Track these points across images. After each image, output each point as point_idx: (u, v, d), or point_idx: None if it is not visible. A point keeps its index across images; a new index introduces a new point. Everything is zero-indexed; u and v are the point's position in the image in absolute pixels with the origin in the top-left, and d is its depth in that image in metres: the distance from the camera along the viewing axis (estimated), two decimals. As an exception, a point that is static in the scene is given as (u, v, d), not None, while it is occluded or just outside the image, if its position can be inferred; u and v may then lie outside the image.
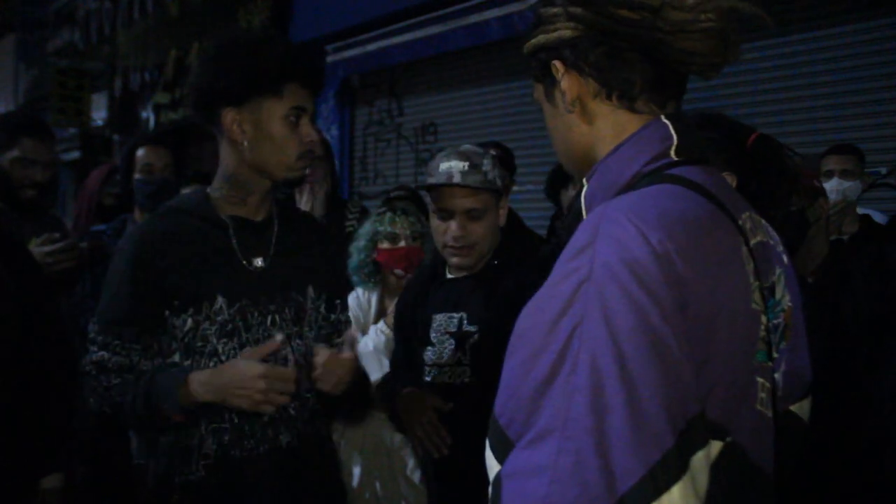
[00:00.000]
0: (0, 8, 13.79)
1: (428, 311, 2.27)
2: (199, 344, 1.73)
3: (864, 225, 3.15)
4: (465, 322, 2.19)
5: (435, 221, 2.22)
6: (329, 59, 6.81)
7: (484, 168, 2.16)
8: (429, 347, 2.23)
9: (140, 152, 3.32)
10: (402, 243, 2.81)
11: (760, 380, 1.01)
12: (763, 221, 1.11)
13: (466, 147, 2.23)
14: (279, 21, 7.06)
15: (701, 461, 0.88)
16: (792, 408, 1.12)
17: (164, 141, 3.52)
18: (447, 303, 2.24)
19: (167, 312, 1.74)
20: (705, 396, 0.92)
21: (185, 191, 3.42)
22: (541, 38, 1.08)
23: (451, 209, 2.17)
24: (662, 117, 1.05)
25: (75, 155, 11.69)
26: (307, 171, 1.87)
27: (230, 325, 1.74)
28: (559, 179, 3.43)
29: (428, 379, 2.24)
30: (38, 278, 2.38)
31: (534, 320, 0.92)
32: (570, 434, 0.84)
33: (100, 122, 11.31)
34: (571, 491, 0.83)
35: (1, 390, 2.08)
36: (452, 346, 2.19)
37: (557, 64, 1.07)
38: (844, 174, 3.31)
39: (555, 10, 1.07)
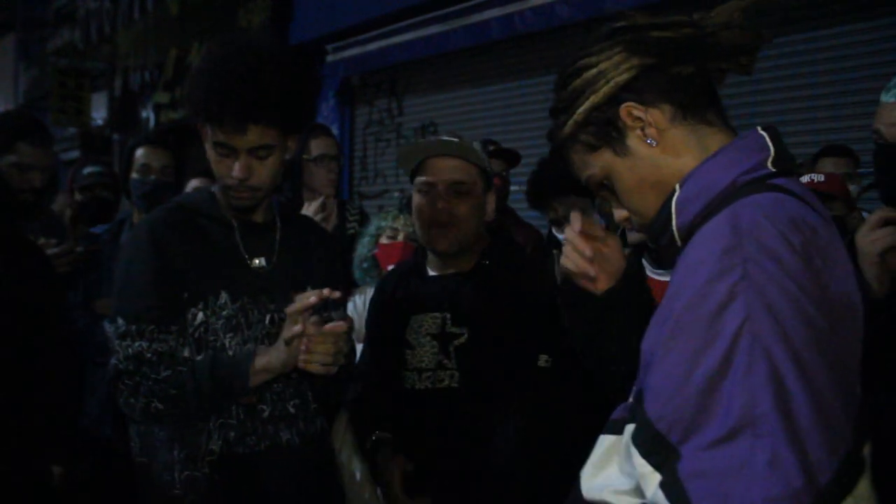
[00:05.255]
0: (0, 7, 13.79)
1: (405, 309, 2.07)
2: (212, 338, 1.75)
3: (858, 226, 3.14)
4: (450, 322, 1.99)
5: (416, 200, 2.03)
6: (329, 58, 6.82)
7: (474, 147, 2.02)
8: (407, 350, 2.02)
9: (139, 152, 3.32)
10: (401, 237, 2.78)
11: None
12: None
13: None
14: (279, 21, 7.06)
15: (867, 455, 0.90)
16: None
17: (165, 141, 3.51)
18: (429, 302, 2.04)
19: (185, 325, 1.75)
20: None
21: (193, 182, 3.43)
22: (592, 100, 1.12)
23: (433, 181, 1.99)
24: (759, 129, 1.09)
25: (75, 154, 11.69)
26: (242, 201, 1.79)
27: (234, 321, 1.77)
28: (553, 186, 3.00)
29: (407, 386, 2.03)
30: (46, 276, 2.38)
31: (686, 321, 0.92)
32: (761, 431, 0.84)
33: (100, 122, 11.32)
34: (774, 487, 0.83)
35: (9, 385, 2.09)
36: (434, 349, 1.99)
37: (630, 106, 1.10)
38: (846, 178, 3.24)
39: (597, 68, 1.12)
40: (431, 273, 2.09)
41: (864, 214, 3.42)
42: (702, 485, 0.87)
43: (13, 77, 14.72)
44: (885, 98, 1.84)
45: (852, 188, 3.23)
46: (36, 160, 2.72)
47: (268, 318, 1.80)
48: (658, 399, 0.93)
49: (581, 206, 2.79)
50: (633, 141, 1.12)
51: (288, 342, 1.67)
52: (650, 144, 1.10)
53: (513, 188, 3.79)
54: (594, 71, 1.12)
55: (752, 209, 0.96)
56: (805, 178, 2.40)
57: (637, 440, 0.95)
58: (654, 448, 0.92)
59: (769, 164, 1.05)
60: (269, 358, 1.70)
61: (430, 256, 2.09)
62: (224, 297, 1.77)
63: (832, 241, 0.98)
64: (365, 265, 2.87)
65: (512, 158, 3.59)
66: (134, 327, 1.72)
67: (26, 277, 2.19)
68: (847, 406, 0.89)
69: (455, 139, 1.97)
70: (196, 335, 1.75)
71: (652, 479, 0.92)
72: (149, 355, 1.70)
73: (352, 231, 3.17)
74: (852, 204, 2.96)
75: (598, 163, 1.16)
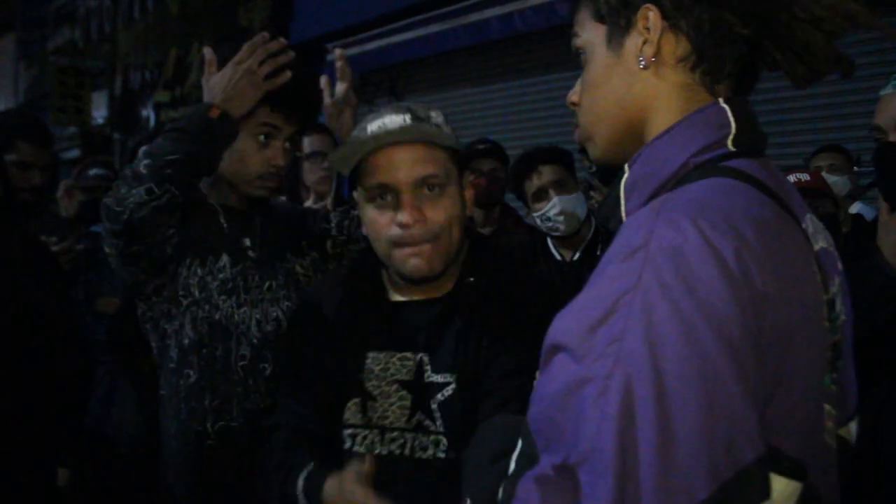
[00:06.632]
0: (0, 7, 13.80)
1: (359, 342, 1.51)
2: (203, 294, 1.77)
3: (855, 224, 3.17)
4: (428, 368, 1.46)
5: (370, 213, 1.47)
6: (329, 58, 6.82)
7: (434, 120, 1.46)
8: (367, 401, 1.48)
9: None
10: None
11: (827, 407, 0.89)
12: (821, 225, 0.98)
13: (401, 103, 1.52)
14: (279, 20, 7.06)
15: None
16: (840, 432, 0.97)
17: None
18: (395, 337, 1.49)
19: (181, 268, 1.77)
20: (779, 430, 0.80)
21: None
22: None
23: (392, 183, 1.43)
24: (721, 101, 0.92)
25: (75, 153, 11.70)
26: (268, 191, 1.86)
27: (231, 284, 1.79)
28: (541, 154, 2.87)
29: (358, 447, 1.47)
30: (54, 275, 2.38)
31: (571, 324, 0.81)
32: (594, 468, 0.75)
33: (100, 121, 11.33)
34: None
35: (17, 385, 2.09)
36: (406, 403, 1.46)
37: (652, 10, 0.92)
38: (832, 169, 3.37)
39: None
40: (395, 298, 1.53)
41: (858, 209, 3.44)
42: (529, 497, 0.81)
43: (13, 76, 14.73)
44: (886, 91, 1.81)
45: (835, 179, 3.32)
46: (36, 159, 2.73)
47: (266, 284, 1.83)
48: (533, 400, 0.84)
49: (561, 176, 2.77)
50: (629, 44, 0.95)
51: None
52: (640, 61, 0.94)
53: (512, 187, 3.79)
54: None
55: (680, 204, 0.82)
56: (791, 178, 2.41)
57: (522, 431, 0.88)
58: (527, 445, 0.85)
59: (729, 143, 0.91)
60: (208, 91, 1.75)
61: (391, 276, 1.54)
62: (225, 259, 1.80)
63: (789, 240, 0.85)
64: None
65: (504, 156, 3.58)
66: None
67: (34, 276, 2.20)
68: (723, 462, 0.74)
69: (407, 116, 1.44)
70: (193, 291, 1.77)
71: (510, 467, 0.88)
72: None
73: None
74: (837, 201, 3.03)
75: (588, 34, 0.99)
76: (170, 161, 1.66)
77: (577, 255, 2.79)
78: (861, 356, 1.05)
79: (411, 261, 1.44)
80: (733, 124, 0.91)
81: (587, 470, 0.75)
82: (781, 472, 0.80)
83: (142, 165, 1.67)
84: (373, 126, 1.44)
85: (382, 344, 1.49)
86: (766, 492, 0.76)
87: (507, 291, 1.49)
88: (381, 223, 1.45)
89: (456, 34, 5.62)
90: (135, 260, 1.71)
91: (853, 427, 1.01)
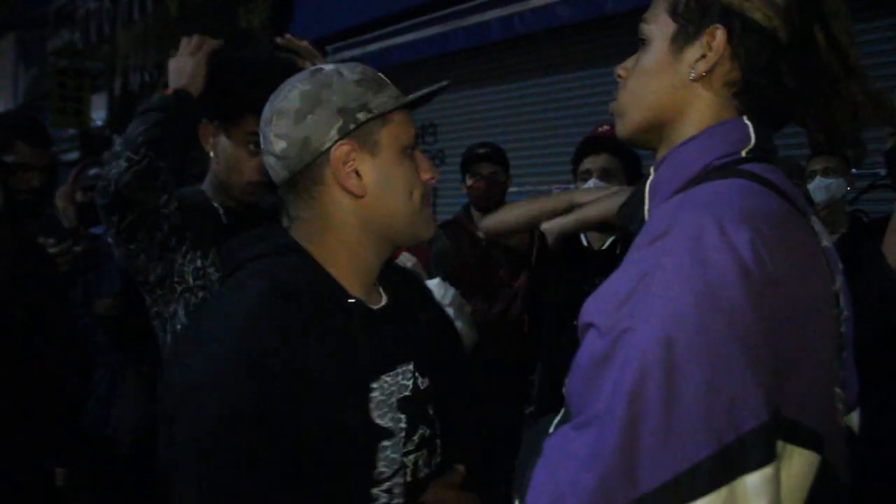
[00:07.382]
0: (0, 7, 13.80)
1: (354, 376, 1.18)
2: (199, 282, 1.82)
3: (853, 224, 3.17)
4: (419, 375, 1.27)
5: (405, 166, 1.27)
6: (329, 59, 6.82)
7: None
8: (385, 443, 1.19)
9: None
10: None
11: (838, 390, 0.96)
12: (823, 226, 1.06)
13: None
14: (279, 21, 7.06)
15: (756, 484, 0.80)
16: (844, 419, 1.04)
17: None
18: (389, 352, 1.24)
19: (177, 255, 1.82)
20: (797, 407, 0.86)
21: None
22: None
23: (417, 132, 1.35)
24: (745, 118, 1.00)
25: (75, 155, 11.69)
26: (256, 197, 1.92)
27: None
28: (588, 145, 2.89)
29: (397, 500, 1.21)
30: (51, 277, 2.39)
31: (600, 304, 0.88)
32: (604, 424, 0.82)
33: (99, 123, 11.31)
34: (588, 478, 0.81)
35: (16, 386, 2.10)
36: (402, 425, 1.22)
37: (721, 30, 0.98)
38: (826, 172, 3.36)
39: None
40: (371, 304, 1.27)
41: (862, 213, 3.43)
42: (550, 454, 0.89)
43: (13, 77, 14.73)
44: None
45: (830, 181, 3.31)
46: (35, 160, 2.72)
47: None
48: (570, 372, 0.92)
49: (611, 166, 2.79)
50: (689, 52, 1.00)
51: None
52: (691, 71, 0.99)
53: (513, 189, 3.79)
54: None
55: (701, 199, 0.90)
56: None
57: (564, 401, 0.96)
58: (566, 412, 0.94)
59: (743, 153, 0.98)
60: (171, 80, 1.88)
61: (352, 276, 1.25)
62: None
63: (800, 234, 0.92)
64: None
65: (504, 159, 3.57)
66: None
67: (31, 278, 2.20)
68: (724, 426, 0.80)
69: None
70: (188, 278, 1.81)
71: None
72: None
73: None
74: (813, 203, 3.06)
75: (658, 25, 1.04)
76: (140, 132, 1.75)
77: (604, 246, 2.79)
78: (862, 359, 1.09)
79: (431, 221, 1.30)
80: (753, 139, 0.99)
81: (598, 426, 0.83)
82: (800, 444, 0.87)
83: (117, 145, 1.79)
84: (380, 75, 1.45)
85: (381, 365, 1.22)
86: (768, 456, 0.80)
87: (399, 273, 1.42)
88: (413, 178, 1.26)
89: (456, 36, 5.61)
90: (132, 234, 1.75)
91: (855, 417, 1.08)
